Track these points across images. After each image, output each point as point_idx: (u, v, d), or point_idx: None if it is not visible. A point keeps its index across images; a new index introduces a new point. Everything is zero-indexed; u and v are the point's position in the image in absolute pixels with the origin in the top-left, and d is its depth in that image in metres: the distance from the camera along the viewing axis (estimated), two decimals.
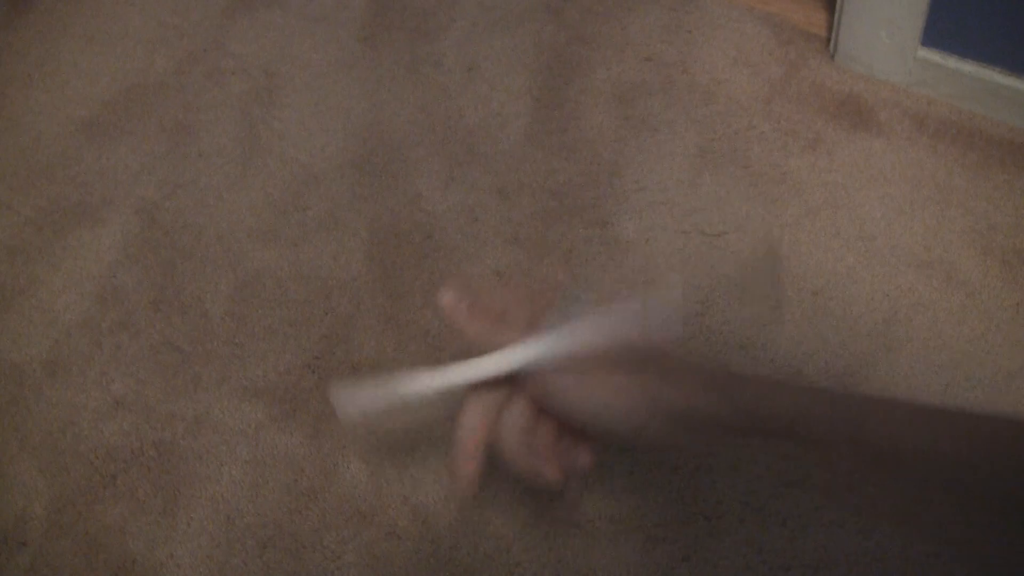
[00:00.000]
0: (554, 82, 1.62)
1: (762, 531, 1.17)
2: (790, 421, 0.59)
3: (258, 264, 1.45)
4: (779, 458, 1.21)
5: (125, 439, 1.30)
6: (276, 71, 1.69)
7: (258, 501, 1.24)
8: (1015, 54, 1.38)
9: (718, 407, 0.58)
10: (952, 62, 1.44)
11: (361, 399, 0.63)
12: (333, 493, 1.24)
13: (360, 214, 1.49)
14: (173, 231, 1.50)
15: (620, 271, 1.39)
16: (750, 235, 1.40)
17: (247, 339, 1.38)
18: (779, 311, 0.64)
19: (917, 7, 1.40)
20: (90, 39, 1.79)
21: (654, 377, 0.58)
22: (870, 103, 1.52)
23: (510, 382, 0.62)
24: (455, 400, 0.62)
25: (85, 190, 1.57)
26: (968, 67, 1.44)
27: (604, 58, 1.64)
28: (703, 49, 1.63)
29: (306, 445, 1.28)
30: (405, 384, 0.62)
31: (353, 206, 1.50)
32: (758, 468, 1.21)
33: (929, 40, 1.45)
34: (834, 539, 1.15)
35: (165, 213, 1.53)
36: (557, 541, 1.18)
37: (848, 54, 1.54)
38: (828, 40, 1.59)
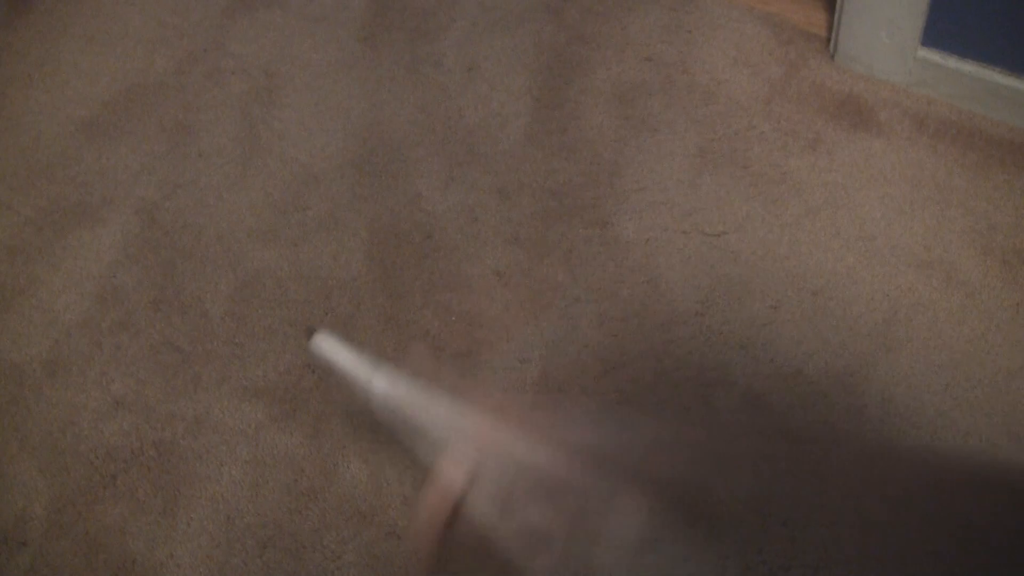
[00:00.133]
0: (554, 82, 1.62)
1: (762, 531, 1.17)
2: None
3: (258, 264, 1.45)
4: (779, 458, 1.21)
5: (125, 439, 1.30)
6: (276, 71, 1.69)
7: (258, 501, 1.24)
8: (1015, 54, 1.38)
9: None
10: (952, 62, 1.44)
11: (335, 353, 0.63)
12: (333, 493, 1.24)
13: (360, 214, 1.49)
14: (173, 231, 1.50)
15: (620, 271, 1.39)
16: (750, 235, 1.40)
17: (247, 339, 1.38)
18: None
19: (917, 7, 1.40)
20: (90, 39, 1.79)
21: None
22: (870, 103, 1.52)
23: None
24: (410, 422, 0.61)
25: (85, 190, 1.57)
26: (968, 67, 1.44)
27: (604, 58, 1.64)
28: (703, 49, 1.63)
29: (306, 445, 1.28)
30: (376, 375, 0.61)
31: (353, 206, 1.50)
32: (758, 468, 1.21)
33: (929, 40, 1.45)
34: (834, 539, 1.15)
35: (165, 213, 1.53)
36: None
37: (848, 54, 1.54)
38: (828, 40, 1.59)
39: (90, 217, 1.53)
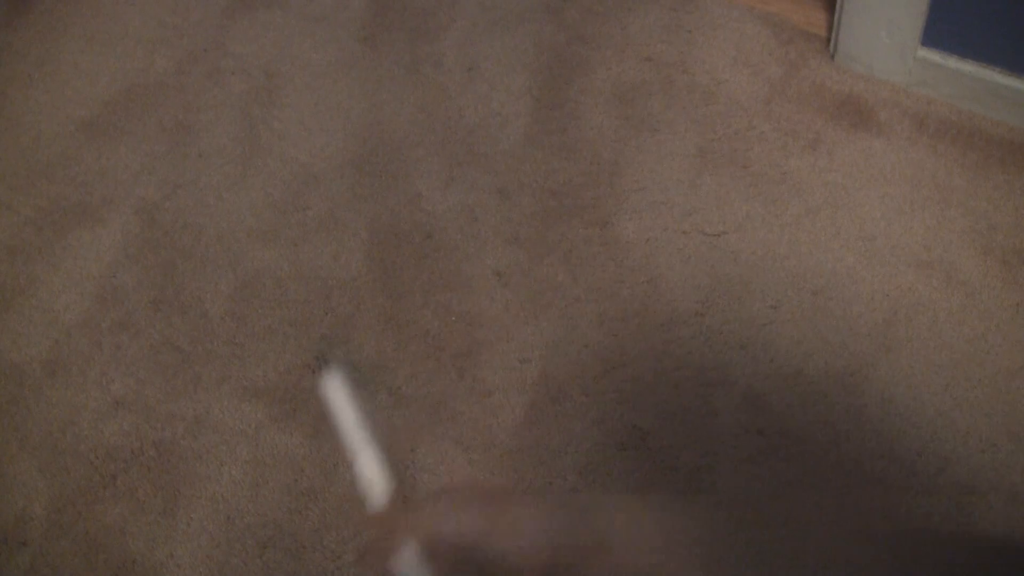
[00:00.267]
0: (554, 82, 1.62)
1: (762, 531, 1.17)
2: None
3: (258, 264, 1.45)
4: (779, 458, 1.22)
5: (125, 439, 1.30)
6: (276, 71, 1.69)
7: (258, 501, 1.24)
8: (1015, 54, 1.38)
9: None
10: (952, 62, 1.44)
11: (338, 403, 0.60)
12: (333, 493, 1.24)
13: (360, 214, 1.49)
14: (173, 231, 1.50)
15: (620, 271, 1.39)
16: (750, 235, 1.40)
17: (247, 339, 1.38)
18: None
19: (917, 7, 1.40)
20: (90, 39, 1.79)
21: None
22: (870, 103, 1.52)
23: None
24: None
25: (85, 190, 1.57)
26: (968, 67, 1.44)
27: (604, 58, 1.64)
28: (703, 49, 1.63)
29: (306, 445, 1.28)
30: (363, 455, 0.59)
31: (353, 206, 1.50)
32: (758, 468, 1.21)
33: (929, 40, 1.45)
34: (834, 539, 1.15)
35: (165, 213, 1.53)
36: None
37: (848, 54, 1.54)
38: (828, 40, 1.59)
39: (90, 217, 1.53)
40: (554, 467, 1.23)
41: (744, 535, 1.12)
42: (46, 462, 1.29)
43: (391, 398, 1.30)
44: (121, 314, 1.42)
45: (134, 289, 1.44)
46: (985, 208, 1.39)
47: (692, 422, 1.25)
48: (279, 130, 1.61)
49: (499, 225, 1.46)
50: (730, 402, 1.26)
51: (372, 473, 0.57)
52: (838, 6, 1.51)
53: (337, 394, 0.59)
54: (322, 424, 1.29)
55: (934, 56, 1.45)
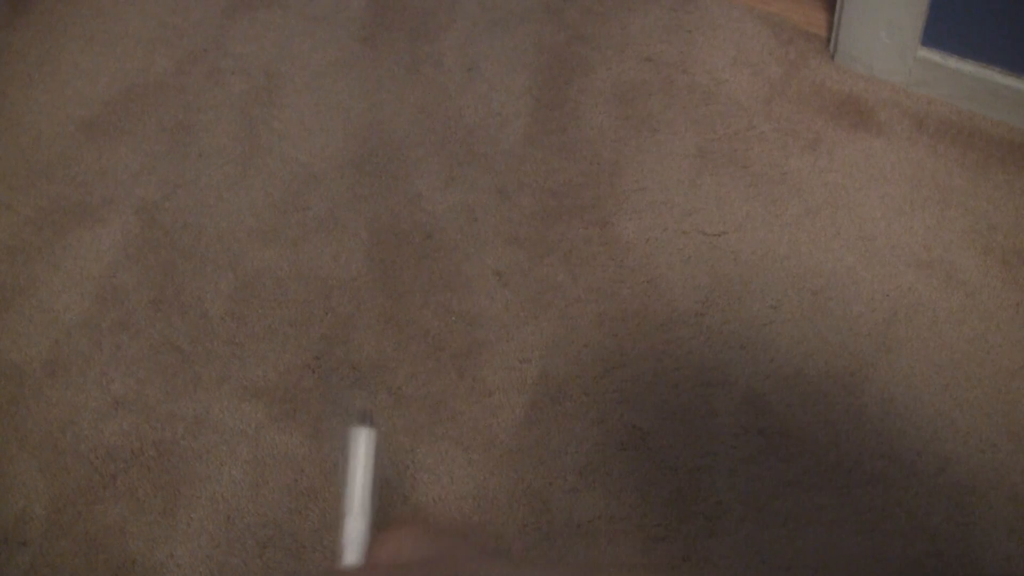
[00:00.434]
0: (554, 82, 1.62)
1: (762, 531, 1.17)
2: None
3: (258, 264, 1.45)
4: (779, 458, 1.22)
5: (125, 439, 1.30)
6: (276, 71, 1.69)
7: (258, 501, 1.24)
8: (1015, 54, 1.38)
9: None
10: (952, 62, 1.44)
11: (358, 458, 0.60)
12: (333, 493, 1.24)
13: (360, 214, 1.49)
14: (173, 231, 1.50)
15: (620, 271, 1.39)
16: (750, 235, 1.40)
17: (247, 339, 1.38)
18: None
19: (917, 7, 1.40)
20: (90, 39, 1.79)
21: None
22: (870, 103, 1.52)
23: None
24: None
25: (85, 190, 1.57)
26: (968, 67, 1.44)
27: (604, 58, 1.64)
28: (703, 49, 1.63)
29: (306, 445, 1.28)
30: (356, 517, 0.58)
31: (353, 206, 1.50)
32: (758, 468, 1.21)
33: (929, 40, 1.45)
34: (834, 539, 1.15)
35: (165, 213, 1.53)
36: (557, 541, 1.18)
37: (848, 54, 1.54)
38: (828, 40, 1.59)
39: (90, 217, 1.53)
40: (554, 467, 1.23)
41: (744, 535, 1.13)
42: (46, 462, 1.29)
43: (391, 398, 1.30)
44: (121, 314, 1.42)
45: (134, 289, 1.44)
46: (985, 208, 1.39)
47: (692, 422, 1.25)
48: (279, 130, 1.61)
49: (499, 225, 1.46)
50: (730, 402, 1.26)
51: (355, 537, 0.57)
52: (838, 6, 1.51)
53: (360, 449, 0.59)
54: (322, 424, 1.29)
55: (934, 56, 1.45)
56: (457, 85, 1.63)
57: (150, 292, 1.44)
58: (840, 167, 1.45)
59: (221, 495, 1.25)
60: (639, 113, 1.56)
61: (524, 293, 1.38)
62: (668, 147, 1.51)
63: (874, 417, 1.23)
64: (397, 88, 1.65)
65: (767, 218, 1.42)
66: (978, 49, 1.41)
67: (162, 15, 1.81)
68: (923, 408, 1.23)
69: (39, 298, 1.45)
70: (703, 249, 1.40)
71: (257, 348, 1.37)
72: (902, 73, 1.50)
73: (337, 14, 1.77)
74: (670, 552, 1.16)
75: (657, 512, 1.19)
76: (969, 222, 1.38)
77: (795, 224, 1.40)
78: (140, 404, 1.33)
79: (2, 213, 1.55)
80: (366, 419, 0.58)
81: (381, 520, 0.58)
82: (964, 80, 1.45)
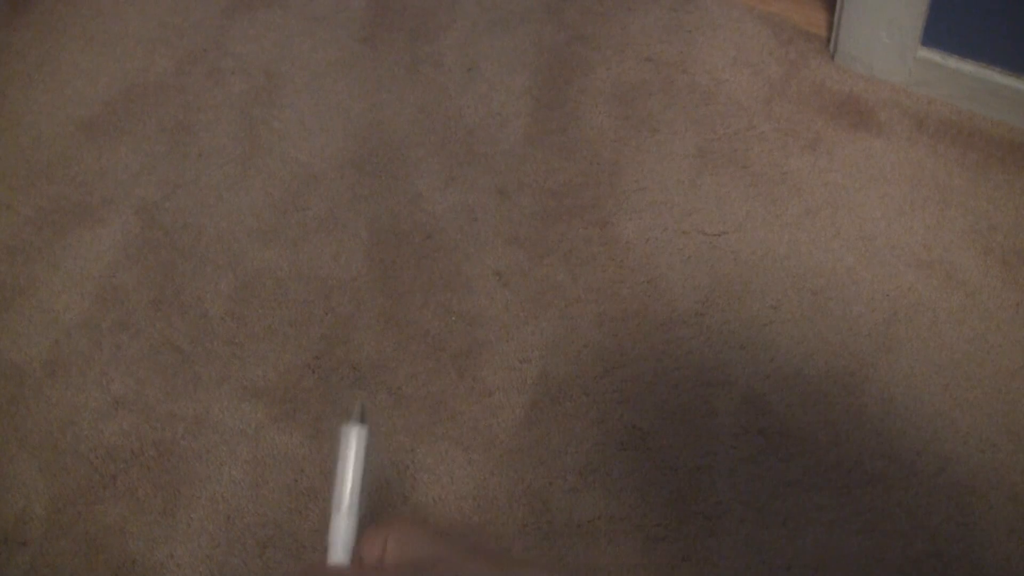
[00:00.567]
0: (554, 82, 1.62)
1: (762, 531, 1.17)
2: None
3: (258, 264, 1.45)
4: (779, 458, 1.22)
5: (125, 439, 1.30)
6: (276, 71, 1.69)
7: (258, 501, 1.24)
8: (1015, 54, 1.38)
9: None
10: (952, 62, 1.44)
11: (349, 456, 0.60)
12: (329, 492, 1.24)
13: (360, 214, 1.49)
14: (173, 231, 1.50)
15: (620, 271, 1.39)
16: (750, 235, 1.40)
17: (247, 339, 1.38)
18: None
19: (917, 7, 1.40)
20: (90, 39, 1.79)
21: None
22: (870, 103, 1.52)
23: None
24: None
25: (85, 190, 1.57)
26: (968, 67, 1.44)
27: (604, 58, 1.64)
28: (703, 49, 1.63)
29: (306, 445, 1.28)
30: (344, 514, 0.58)
31: (353, 206, 1.50)
32: (758, 468, 1.21)
33: (929, 40, 1.45)
34: (834, 539, 1.15)
35: (165, 213, 1.53)
36: (557, 541, 1.18)
37: (848, 54, 1.54)
38: (828, 40, 1.59)
39: (90, 217, 1.53)
40: (554, 467, 1.23)
41: (744, 535, 1.13)
42: (46, 462, 1.29)
43: (391, 398, 1.30)
44: (121, 314, 1.42)
45: (134, 289, 1.44)
46: (985, 208, 1.39)
47: (692, 422, 1.25)
48: (279, 130, 1.61)
49: (499, 225, 1.46)
50: (730, 402, 1.26)
51: (342, 535, 0.57)
52: (838, 6, 1.51)
53: (352, 447, 0.59)
54: (322, 424, 1.29)
55: (934, 56, 1.45)
56: (457, 85, 1.63)
57: (150, 292, 1.44)
58: (840, 167, 1.45)
59: (221, 495, 1.25)
60: (639, 113, 1.56)
61: (524, 293, 1.38)
62: (668, 147, 1.51)
63: (874, 417, 1.23)
64: (397, 88, 1.65)
65: (767, 218, 1.42)
66: (978, 49, 1.41)
67: (162, 15, 1.81)
68: (923, 408, 1.23)
69: (39, 298, 1.45)
70: (703, 249, 1.40)
71: (257, 348, 1.37)
72: (902, 73, 1.50)
73: (337, 14, 1.77)
74: (670, 552, 1.16)
75: (657, 512, 1.19)
76: (969, 222, 1.38)
77: (795, 224, 1.40)
78: (140, 404, 1.33)
79: (2, 213, 1.55)
80: (360, 417, 0.58)
81: (374, 519, 0.58)
82: (964, 80, 1.45)
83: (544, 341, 1.33)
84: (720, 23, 1.66)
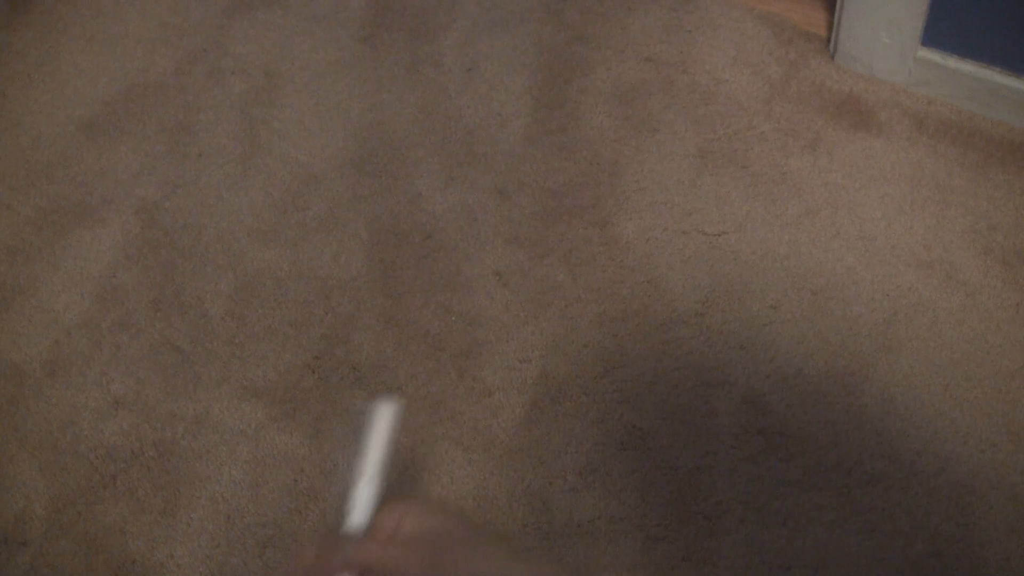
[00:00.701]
0: (554, 82, 1.62)
1: (762, 531, 1.17)
2: None
3: (258, 264, 1.45)
4: (779, 458, 1.22)
5: (125, 439, 1.30)
6: (276, 71, 1.69)
7: (258, 501, 1.24)
8: (1015, 54, 1.38)
9: None
10: (952, 62, 1.44)
11: (374, 432, 0.60)
12: (333, 493, 1.24)
13: (360, 214, 1.49)
14: (173, 231, 1.50)
15: (620, 271, 1.39)
16: (750, 235, 1.40)
17: (247, 339, 1.38)
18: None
19: (917, 7, 1.40)
20: (90, 39, 1.79)
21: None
22: (870, 103, 1.52)
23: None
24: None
25: (85, 190, 1.57)
26: (968, 67, 1.44)
27: (604, 58, 1.64)
28: (703, 49, 1.63)
29: (306, 445, 1.28)
30: (367, 485, 0.59)
31: (353, 206, 1.50)
32: (758, 468, 1.21)
33: (929, 40, 1.45)
34: (834, 539, 1.15)
35: (165, 213, 1.53)
36: (557, 541, 1.18)
37: (848, 54, 1.54)
38: (828, 40, 1.59)
39: (90, 217, 1.53)
40: (554, 467, 1.23)
41: (744, 535, 1.13)
42: (46, 462, 1.29)
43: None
44: (121, 314, 1.42)
45: (134, 289, 1.44)
46: (985, 208, 1.39)
47: (692, 422, 1.25)
48: (279, 130, 1.61)
49: (499, 225, 1.46)
50: (730, 402, 1.26)
51: (361, 502, 0.57)
52: (838, 6, 1.51)
53: (381, 422, 0.60)
54: (322, 424, 1.29)
55: (934, 56, 1.45)
56: (457, 85, 1.63)
57: (150, 292, 1.44)
58: (840, 167, 1.45)
59: (221, 495, 1.25)
60: (639, 113, 1.56)
61: (524, 293, 1.38)
62: (668, 147, 1.51)
63: (874, 417, 1.23)
64: (397, 88, 1.65)
65: (767, 218, 1.42)
66: (978, 49, 1.41)
67: (162, 15, 1.81)
68: (923, 408, 1.23)
69: (39, 298, 1.45)
70: (703, 249, 1.40)
71: (257, 348, 1.37)
72: (902, 73, 1.51)
73: (337, 14, 1.77)
74: (670, 552, 1.16)
75: (657, 512, 1.19)
76: (969, 222, 1.38)
77: (795, 224, 1.40)
78: (140, 404, 1.33)
79: (2, 213, 1.55)
80: (390, 398, 0.59)
81: (389, 496, 0.58)
82: (964, 80, 1.45)
83: (544, 341, 1.33)
84: (720, 23, 1.66)
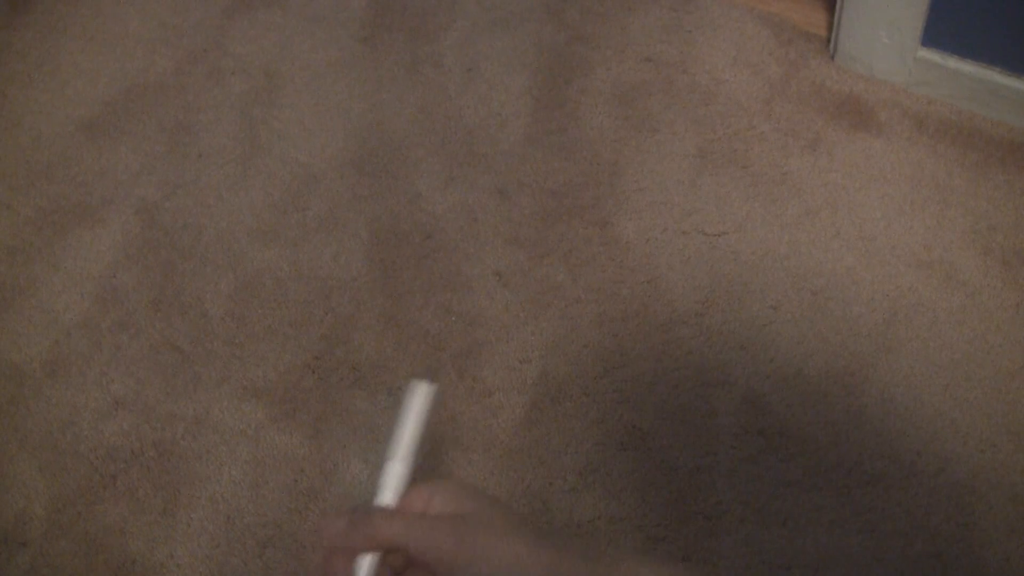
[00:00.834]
0: (554, 82, 1.62)
1: (762, 531, 1.17)
2: None
3: (258, 264, 1.45)
4: (779, 458, 1.22)
5: (125, 439, 1.30)
6: (276, 71, 1.69)
7: (258, 501, 1.24)
8: (1015, 54, 1.38)
9: None
10: (952, 62, 1.44)
11: (411, 410, 0.61)
12: (333, 493, 1.24)
13: (360, 214, 1.49)
14: (173, 231, 1.50)
15: (620, 271, 1.39)
16: (750, 235, 1.40)
17: (247, 339, 1.38)
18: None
19: (917, 7, 1.40)
20: (90, 39, 1.79)
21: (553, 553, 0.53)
22: (870, 103, 1.52)
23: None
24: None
25: (85, 190, 1.57)
26: (968, 67, 1.44)
27: (604, 58, 1.64)
28: (703, 49, 1.63)
29: (306, 445, 1.28)
30: (399, 462, 0.59)
31: (353, 206, 1.50)
32: (758, 468, 1.21)
33: (929, 40, 1.45)
34: (834, 539, 1.15)
35: (165, 213, 1.53)
36: None
37: (848, 54, 1.54)
38: (828, 40, 1.59)
39: (90, 217, 1.53)
40: (554, 467, 1.23)
41: (744, 535, 1.13)
42: (46, 462, 1.29)
43: (391, 398, 1.30)
44: (121, 314, 1.42)
45: (134, 289, 1.44)
46: (985, 208, 1.39)
47: (692, 422, 1.25)
48: (279, 130, 1.61)
49: (499, 225, 1.46)
50: (730, 402, 1.26)
51: (393, 480, 0.58)
52: (838, 6, 1.51)
53: (417, 402, 0.60)
54: (322, 424, 1.29)
55: (934, 56, 1.46)
56: (457, 85, 1.64)
57: (150, 292, 1.44)
58: (840, 167, 1.45)
59: (221, 495, 1.25)
60: (639, 113, 1.56)
61: (524, 293, 1.38)
62: (668, 147, 1.51)
63: (874, 417, 1.23)
64: (397, 88, 1.65)
65: (767, 218, 1.42)
66: (978, 49, 1.41)
67: (162, 15, 1.81)
68: (923, 408, 1.23)
69: (39, 298, 1.45)
70: (703, 249, 1.40)
71: (257, 348, 1.37)
72: (902, 73, 1.51)
73: (337, 14, 1.77)
74: (670, 552, 1.16)
75: (657, 512, 1.19)
76: (969, 222, 1.38)
77: (795, 224, 1.41)
78: (140, 404, 1.33)
79: (2, 213, 1.55)
80: (432, 379, 0.59)
81: (420, 477, 0.59)
82: (964, 80, 1.45)
83: (544, 341, 1.33)
84: (720, 23, 1.66)
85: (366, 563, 0.54)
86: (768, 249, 1.38)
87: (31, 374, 1.37)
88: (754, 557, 1.15)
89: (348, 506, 0.59)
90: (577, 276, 1.39)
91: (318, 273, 1.43)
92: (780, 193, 1.44)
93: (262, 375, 1.34)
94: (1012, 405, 1.22)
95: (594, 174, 1.49)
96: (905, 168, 1.44)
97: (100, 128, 1.65)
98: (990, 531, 1.14)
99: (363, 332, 1.37)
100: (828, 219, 1.40)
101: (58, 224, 1.53)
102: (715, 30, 1.65)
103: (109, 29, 1.80)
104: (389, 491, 0.58)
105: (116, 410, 1.33)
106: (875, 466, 1.20)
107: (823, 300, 1.33)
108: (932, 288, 1.32)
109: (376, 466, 1.25)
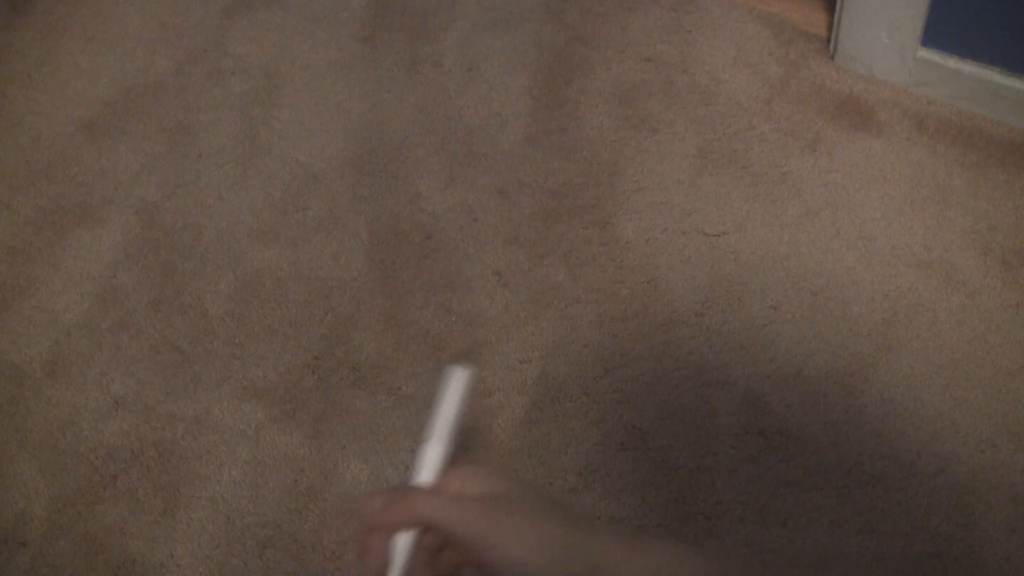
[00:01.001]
0: (554, 82, 1.62)
1: (762, 531, 1.17)
2: None
3: (258, 264, 1.45)
4: (779, 458, 1.22)
5: (125, 439, 1.30)
6: (276, 71, 1.69)
7: (258, 501, 1.24)
8: (1015, 54, 1.38)
9: None
10: (952, 62, 1.44)
11: (452, 394, 0.62)
12: (333, 493, 1.24)
13: (360, 214, 1.49)
14: (173, 231, 1.50)
15: (620, 271, 1.39)
16: (750, 235, 1.40)
17: (247, 339, 1.38)
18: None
19: (917, 7, 1.40)
20: (90, 39, 1.79)
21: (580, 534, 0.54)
22: (870, 103, 1.52)
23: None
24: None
25: (85, 190, 1.57)
26: (968, 67, 1.44)
27: (604, 58, 1.64)
28: (703, 49, 1.63)
29: (306, 445, 1.28)
30: (439, 443, 0.60)
31: (353, 206, 1.50)
32: (758, 468, 1.21)
33: (929, 40, 1.45)
34: (834, 539, 1.15)
35: (165, 213, 1.53)
36: None
37: (848, 54, 1.54)
38: (828, 40, 1.59)
39: (90, 217, 1.53)
40: (554, 467, 1.23)
41: (744, 535, 1.13)
42: (46, 462, 1.29)
43: (391, 398, 1.30)
44: (121, 314, 1.42)
45: (134, 289, 1.44)
46: (985, 208, 1.39)
47: (692, 422, 1.25)
48: (279, 130, 1.61)
49: (499, 225, 1.46)
50: (730, 402, 1.26)
51: (430, 461, 0.59)
52: (838, 6, 1.51)
53: (454, 385, 0.62)
54: (322, 424, 1.29)
55: (934, 56, 1.45)
56: (457, 85, 1.64)
57: (150, 292, 1.44)
58: (840, 167, 1.45)
59: (221, 495, 1.25)
60: (639, 113, 1.56)
61: (524, 293, 1.38)
62: (668, 147, 1.51)
63: (874, 417, 1.23)
64: (397, 88, 1.65)
65: (767, 218, 1.42)
66: (978, 49, 1.41)
67: (162, 15, 1.81)
68: (923, 408, 1.23)
69: (39, 298, 1.45)
70: (703, 249, 1.40)
71: (257, 348, 1.37)
72: (902, 73, 1.51)
73: (337, 14, 1.77)
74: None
75: (657, 512, 1.19)
76: (969, 222, 1.38)
77: (795, 224, 1.41)
78: (140, 404, 1.33)
79: (2, 213, 1.55)
80: (469, 362, 0.60)
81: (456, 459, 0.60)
82: (964, 80, 1.45)
83: (544, 341, 1.33)
84: (720, 23, 1.66)
85: (403, 540, 0.55)
86: (768, 249, 1.38)
87: (31, 374, 1.37)
88: (754, 557, 1.15)
89: (386, 487, 0.60)
90: (577, 276, 1.39)
91: (318, 273, 1.43)
92: (780, 193, 1.44)
93: (262, 375, 1.34)
94: (1012, 405, 1.22)
95: (594, 174, 1.49)
96: (905, 168, 1.44)
97: (100, 128, 1.65)
98: (990, 531, 1.14)
99: (363, 332, 1.37)
100: (828, 219, 1.40)
101: (58, 224, 1.53)
102: (715, 30, 1.65)
103: (109, 29, 1.80)
104: (426, 471, 0.59)
105: (116, 410, 1.33)
106: (875, 466, 1.20)
107: (823, 300, 1.33)
108: (932, 288, 1.32)
109: (376, 467, 1.25)
